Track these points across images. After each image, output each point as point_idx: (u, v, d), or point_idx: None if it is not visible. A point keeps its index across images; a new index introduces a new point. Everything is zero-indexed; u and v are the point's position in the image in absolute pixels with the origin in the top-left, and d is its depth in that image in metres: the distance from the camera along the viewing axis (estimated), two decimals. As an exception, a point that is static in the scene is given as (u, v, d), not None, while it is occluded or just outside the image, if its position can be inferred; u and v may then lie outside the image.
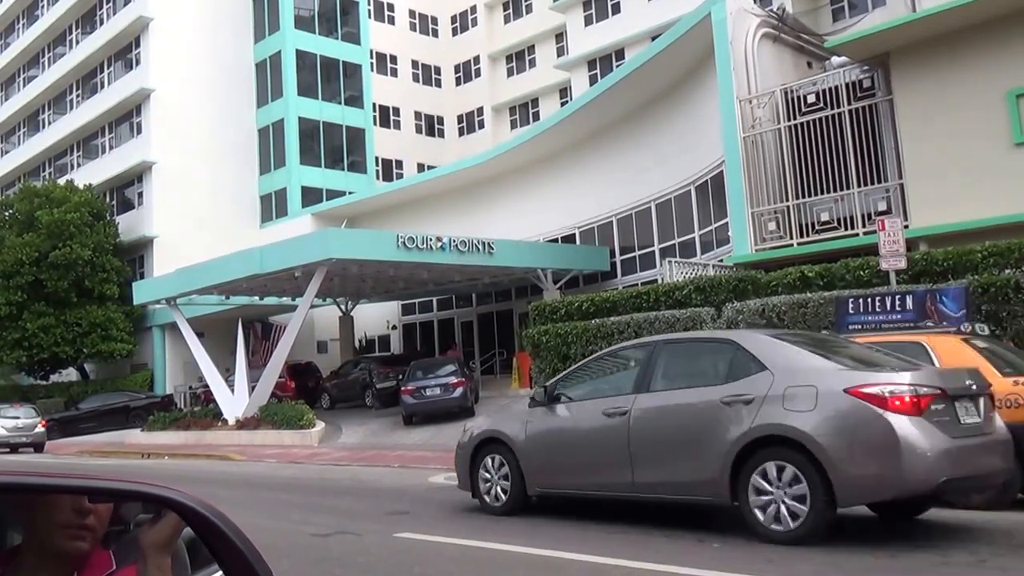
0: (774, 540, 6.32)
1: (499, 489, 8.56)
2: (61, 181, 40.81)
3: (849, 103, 18.99)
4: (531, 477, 8.24)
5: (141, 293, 30.42)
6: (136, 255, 40.56)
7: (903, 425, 6.03)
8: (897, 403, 6.10)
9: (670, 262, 19.92)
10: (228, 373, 29.04)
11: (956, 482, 6.24)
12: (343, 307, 33.80)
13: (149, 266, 39.56)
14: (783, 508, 6.33)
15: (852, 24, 24.37)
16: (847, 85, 19.07)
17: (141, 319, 38.48)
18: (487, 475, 8.67)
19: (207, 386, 29.03)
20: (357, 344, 35.71)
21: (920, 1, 18.32)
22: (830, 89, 19.35)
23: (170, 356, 38.67)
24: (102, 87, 44.11)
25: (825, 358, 6.76)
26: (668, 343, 7.83)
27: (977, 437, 6.44)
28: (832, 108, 19.20)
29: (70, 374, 40.85)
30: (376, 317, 37.24)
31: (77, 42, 46.32)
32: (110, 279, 37.60)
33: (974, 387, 6.64)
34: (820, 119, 19.34)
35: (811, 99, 19.53)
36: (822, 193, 19.35)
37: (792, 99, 19.91)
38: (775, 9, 21.66)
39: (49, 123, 48.83)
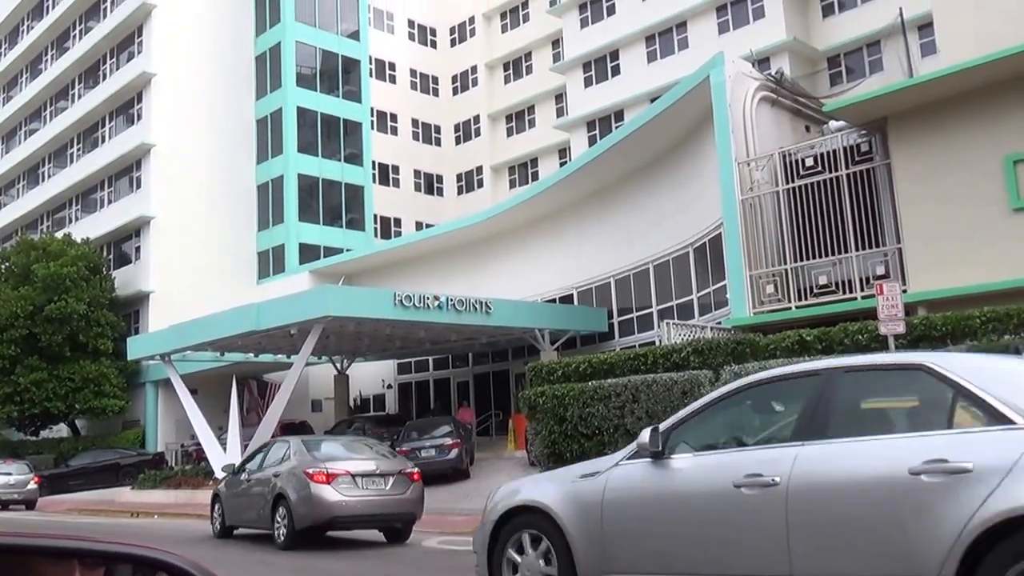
0: None
1: None
2: (59, 234, 41.03)
3: (847, 167, 19.26)
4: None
5: (135, 348, 30.36)
6: (131, 310, 40.60)
7: None
8: None
9: (668, 324, 20.01)
10: (221, 431, 28.70)
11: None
12: (339, 365, 33.66)
13: (144, 321, 39.53)
14: None
15: (849, 89, 24.82)
16: (845, 149, 19.36)
17: (135, 375, 38.30)
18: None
19: (199, 444, 28.76)
20: (352, 403, 35.51)
21: (917, 67, 18.68)
22: (828, 153, 19.63)
23: (162, 413, 38.32)
24: (103, 141, 44.61)
25: None
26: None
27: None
28: (830, 172, 19.46)
29: (61, 430, 40.51)
30: (372, 376, 37.12)
31: (79, 96, 46.90)
32: (105, 334, 37.49)
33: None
34: (818, 182, 19.59)
35: (809, 162, 19.81)
36: (820, 256, 19.51)
37: (790, 162, 20.19)
38: (773, 73, 22.09)
39: (49, 176, 49.24)
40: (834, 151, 19.52)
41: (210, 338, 26.30)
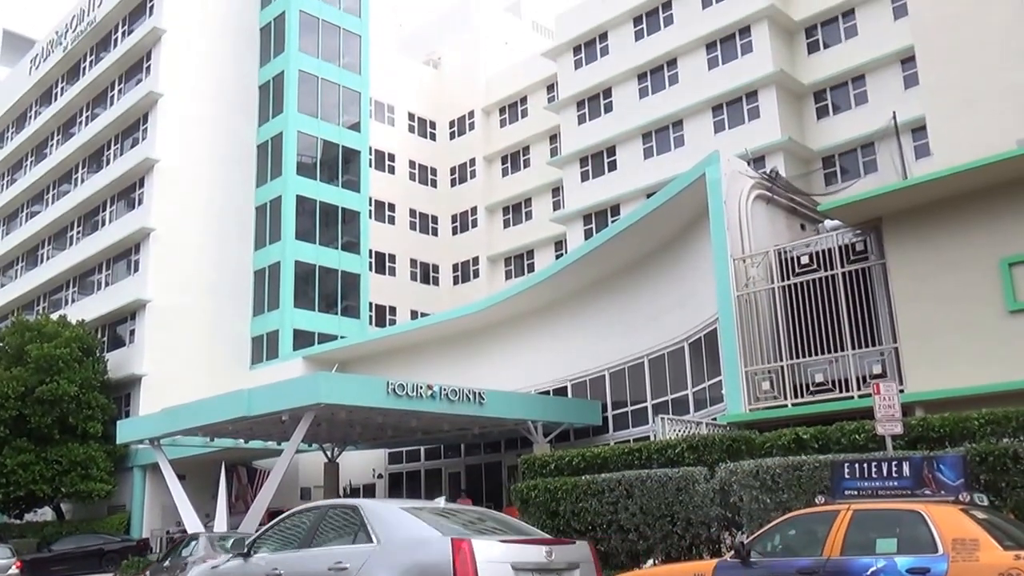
0: None
1: None
2: (54, 316, 41.09)
3: (843, 265, 19.29)
4: None
5: (125, 432, 30.17)
6: (123, 393, 40.46)
7: None
8: None
9: (663, 419, 19.76)
10: (208, 518, 28.52)
11: None
12: (329, 453, 33.44)
13: (135, 404, 39.43)
14: None
15: (844, 189, 25.10)
16: (840, 248, 19.42)
17: (123, 459, 37.94)
18: None
19: (185, 531, 28.21)
20: (342, 492, 35.05)
21: (911, 169, 18.90)
22: (824, 251, 19.70)
23: (149, 498, 38.04)
24: (103, 225, 45.04)
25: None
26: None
27: None
28: (826, 270, 19.49)
29: (45, 513, 40.00)
30: (362, 465, 36.75)
31: (82, 180, 47.53)
32: (95, 416, 37.26)
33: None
34: (814, 280, 19.61)
35: (804, 260, 19.85)
36: (816, 354, 19.39)
37: (786, 260, 20.25)
38: (768, 172, 22.34)
39: (48, 258, 49.57)
40: (829, 250, 19.59)
41: (201, 423, 26.21)
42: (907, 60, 31.84)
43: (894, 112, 24.87)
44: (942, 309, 17.25)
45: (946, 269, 17.33)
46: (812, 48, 37.40)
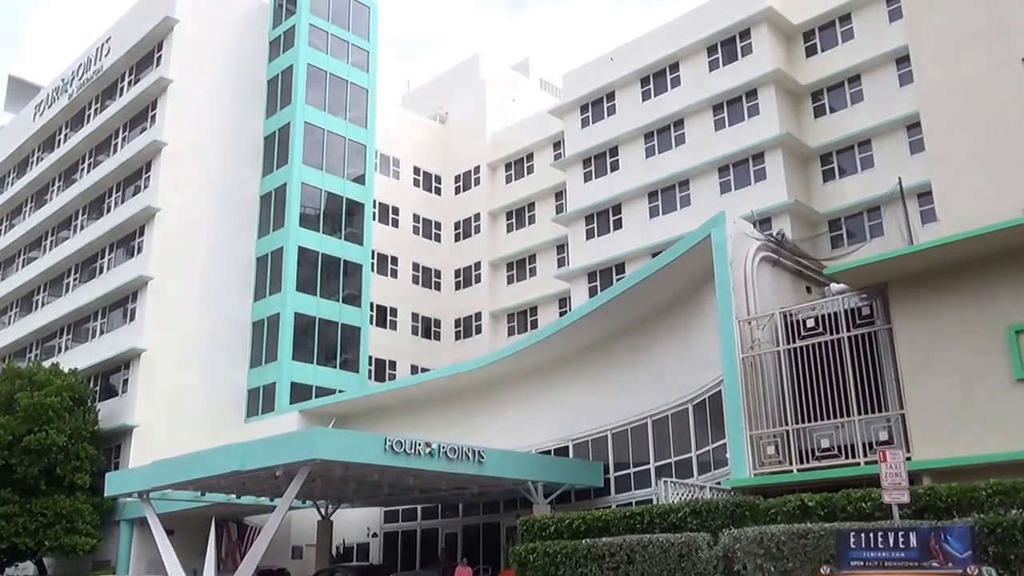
0: None
1: None
2: (47, 363, 41.22)
3: (848, 329, 19.45)
4: None
5: (113, 485, 29.95)
6: (113, 444, 40.39)
7: None
8: None
9: (665, 482, 19.79)
10: (195, 575, 28.25)
11: None
12: (323, 510, 33.36)
13: (125, 456, 39.35)
14: None
15: (850, 253, 25.39)
16: (846, 312, 19.60)
17: (110, 512, 37.64)
18: None
19: None
20: (335, 551, 34.96)
21: (917, 234, 19.18)
22: (829, 315, 19.87)
23: (135, 553, 37.52)
24: (100, 272, 45.45)
25: None
26: None
27: None
28: (831, 334, 19.64)
29: (27, 568, 39.63)
30: (357, 523, 36.63)
31: (82, 227, 48.08)
32: (83, 468, 37.04)
33: None
34: (819, 344, 19.76)
35: (810, 323, 20.02)
36: (822, 419, 19.45)
37: (791, 322, 20.42)
38: (774, 234, 22.65)
39: (43, 304, 49.88)
40: (835, 313, 19.77)
41: (192, 477, 26.11)
42: (913, 126, 32.70)
43: (899, 178, 25.37)
44: (949, 376, 17.38)
45: (952, 336, 17.49)
46: (818, 112, 38.33)
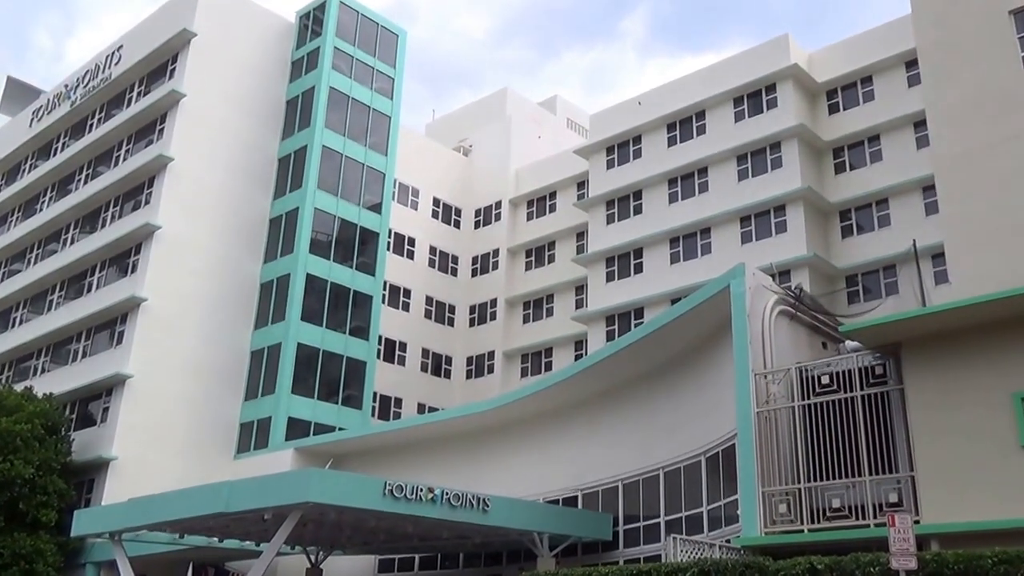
0: None
1: None
2: (19, 386, 41.51)
3: (862, 388, 21.54)
4: None
5: (82, 523, 29.88)
6: (86, 478, 40.37)
7: None
8: None
9: (675, 539, 21.16)
10: None
11: None
12: (313, 558, 33.62)
13: (99, 492, 39.32)
14: None
15: (866, 312, 27.60)
16: (860, 370, 21.72)
17: (76, 553, 37.28)
18: None
19: None
20: None
21: (931, 294, 21.47)
22: (844, 372, 21.99)
23: None
24: (89, 290, 46.49)
25: None
26: None
27: None
28: (845, 391, 21.71)
29: None
30: (349, 571, 37.37)
31: (72, 242, 49.42)
32: (50, 503, 36.69)
33: None
34: (833, 401, 21.87)
35: (825, 380, 22.15)
36: (834, 478, 21.25)
37: (807, 378, 22.50)
38: (793, 288, 24.94)
39: (22, 322, 50.85)
40: (850, 371, 21.81)
41: (171, 517, 26.42)
42: (928, 187, 36.36)
43: (914, 240, 27.88)
44: (957, 440, 19.32)
45: (962, 399, 19.54)
46: (839, 168, 42.19)
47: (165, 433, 41.00)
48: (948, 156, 22.00)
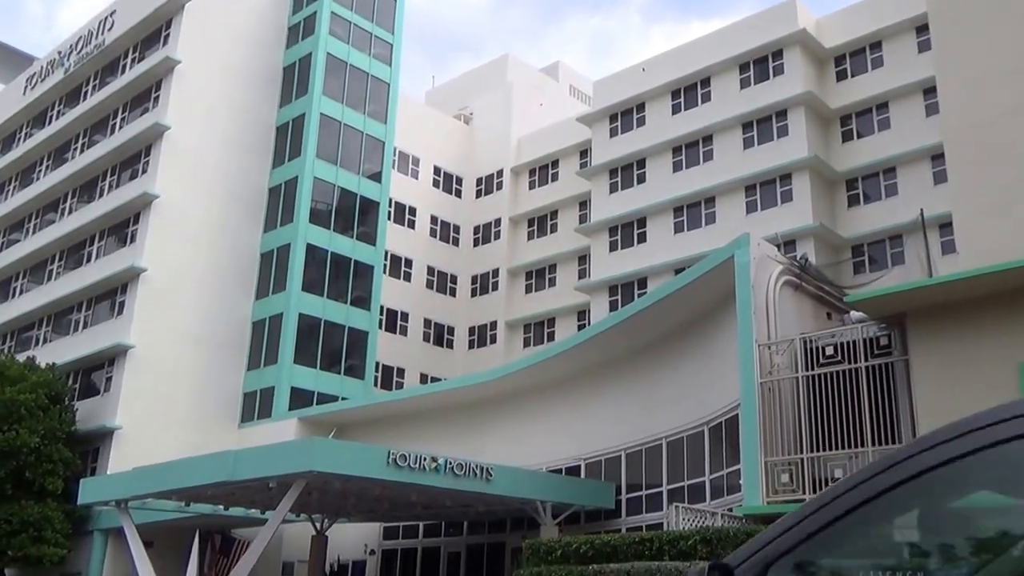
0: None
1: None
2: (22, 356, 41.99)
3: (866, 359, 21.73)
4: None
5: (88, 491, 30.43)
6: (91, 447, 40.99)
7: None
8: None
9: (677, 507, 21.66)
10: None
11: None
12: (318, 525, 34.11)
13: (104, 461, 40.01)
14: None
15: (871, 281, 27.72)
16: (865, 341, 21.91)
17: (82, 521, 38.04)
18: None
19: None
20: (328, 569, 35.93)
21: (937, 265, 21.55)
22: (848, 343, 22.20)
23: (109, 566, 38.31)
24: (88, 261, 46.81)
25: None
26: None
27: None
28: (849, 363, 21.92)
29: None
30: (354, 539, 37.88)
31: (70, 211, 49.63)
32: (56, 472, 37.30)
33: None
34: (837, 372, 22.09)
35: (829, 351, 22.35)
36: (836, 448, 21.54)
37: (811, 349, 22.72)
38: (798, 258, 25.08)
39: (22, 292, 51.14)
40: (854, 342, 22.02)
41: (177, 486, 26.91)
42: (937, 156, 35.63)
43: (922, 210, 27.86)
44: (962, 411, 19.23)
45: (967, 371, 19.68)
46: (846, 136, 42.05)
47: (169, 402, 41.38)
48: (958, 124, 21.97)
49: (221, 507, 30.61)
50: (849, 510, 2.71)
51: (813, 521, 2.77)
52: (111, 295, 44.48)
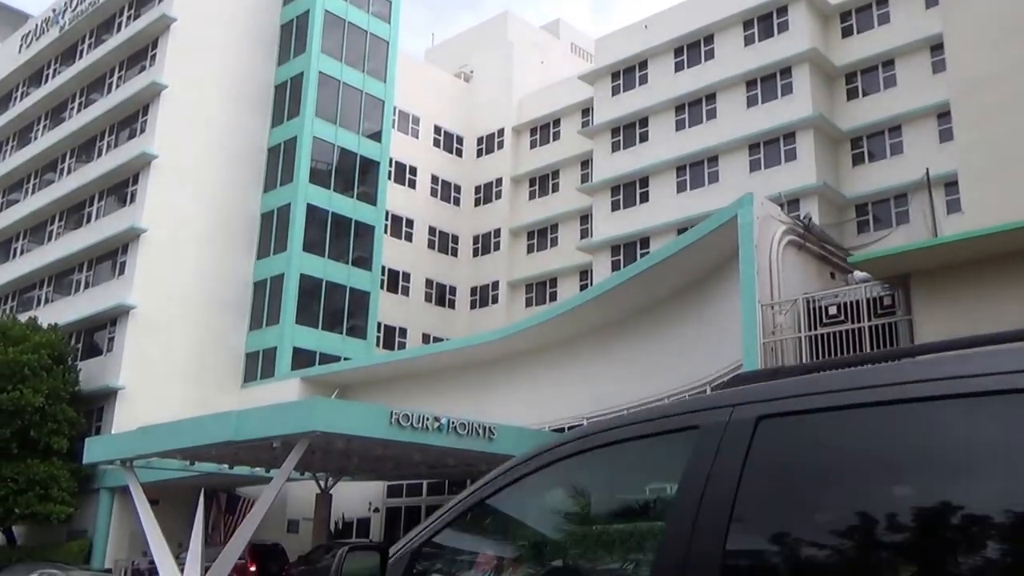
0: None
1: None
2: (24, 317, 42.17)
3: (870, 319, 21.68)
4: None
5: (93, 451, 30.68)
6: (95, 406, 41.29)
7: None
8: None
9: None
10: (181, 549, 28.78)
11: None
12: (322, 483, 34.32)
13: (108, 420, 40.32)
14: None
15: (876, 241, 27.64)
16: (868, 301, 21.87)
17: (88, 479, 38.36)
18: None
19: (153, 562, 28.67)
20: (333, 527, 36.27)
21: (942, 224, 21.45)
22: (852, 303, 22.17)
23: (115, 524, 38.59)
24: (88, 221, 46.81)
25: None
26: None
27: None
28: (853, 323, 21.88)
29: None
30: (358, 498, 38.12)
31: (69, 171, 49.52)
32: (60, 431, 37.62)
33: None
34: (841, 332, 22.08)
35: (833, 311, 22.32)
36: None
37: (814, 309, 22.69)
38: (801, 217, 24.97)
39: (23, 252, 51.21)
40: (858, 302, 21.96)
41: (181, 445, 27.13)
42: (943, 115, 35.45)
43: (927, 169, 27.71)
44: None
45: (972, 331, 19.61)
46: (851, 94, 41.62)
47: (171, 362, 41.60)
48: (965, 80, 21.70)
49: (226, 466, 30.89)
50: (476, 503, 3.25)
51: (452, 512, 3.27)
52: (112, 255, 44.58)
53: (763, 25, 43.26)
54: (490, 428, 27.19)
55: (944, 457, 2.33)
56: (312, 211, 46.00)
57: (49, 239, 49.53)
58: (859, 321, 21.83)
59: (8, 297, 51.00)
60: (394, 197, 52.06)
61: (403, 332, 51.71)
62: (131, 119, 46.40)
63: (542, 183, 55.01)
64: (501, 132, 57.22)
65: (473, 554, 3.54)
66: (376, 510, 38.79)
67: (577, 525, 3.36)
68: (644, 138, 46.64)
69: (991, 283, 19.59)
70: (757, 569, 2.45)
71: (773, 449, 2.50)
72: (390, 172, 51.56)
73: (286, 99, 47.82)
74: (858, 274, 22.35)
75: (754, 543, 2.47)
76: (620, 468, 3.13)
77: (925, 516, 2.26)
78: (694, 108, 45.10)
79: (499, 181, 56.46)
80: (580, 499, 3.33)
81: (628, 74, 48.02)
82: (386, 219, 50.23)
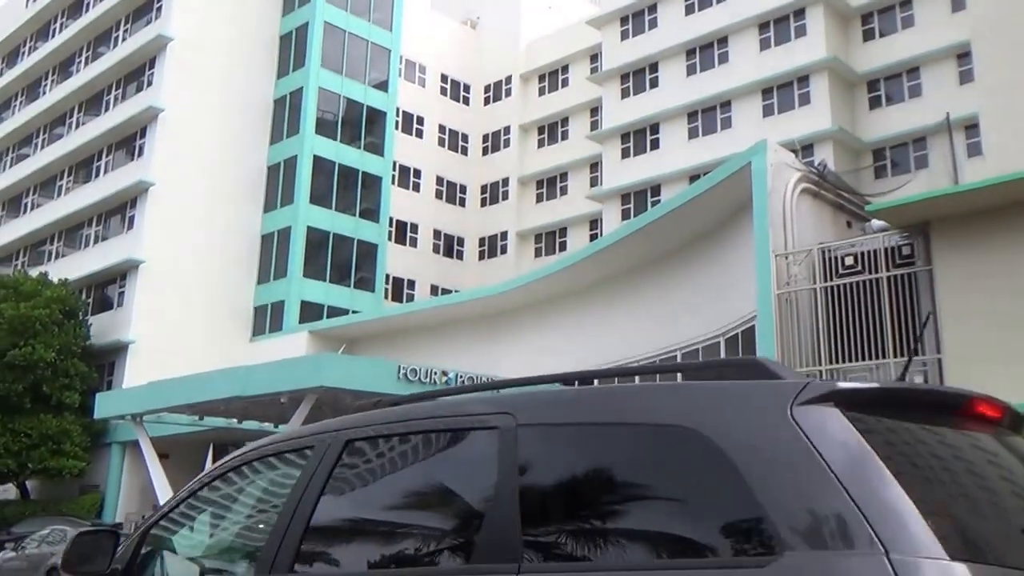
0: None
1: None
2: (34, 272, 42.02)
3: (888, 269, 20.83)
4: None
5: (104, 406, 30.76)
6: (106, 361, 41.26)
7: None
8: None
9: None
10: None
11: None
12: None
13: (119, 374, 40.36)
14: None
15: (895, 189, 26.62)
16: (886, 250, 20.97)
17: (100, 434, 38.37)
18: None
19: None
20: None
21: (963, 168, 20.46)
22: (869, 252, 21.28)
23: (127, 478, 38.48)
24: (97, 175, 46.55)
25: None
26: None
27: None
28: (870, 272, 21.06)
29: (8, 491, 40.43)
30: None
31: (78, 125, 49.21)
32: (72, 386, 37.59)
33: None
34: (857, 283, 21.24)
35: (849, 261, 21.47)
36: (857, 360, 20.91)
37: (829, 259, 21.85)
38: (816, 164, 23.99)
39: (33, 207, 50.98)
40: (875, 251, 21.11)
41: (190, 400, 27.13)
42: (963, 55, 33.94)
43: (948, 112, 26.60)
44: (987, 323, 18.72)
45: (993, 282, 18.80)
46: (867, 36, 39.97)
47: (181, 316, 41.45)
48: (986, 18, 20.66)
49: (235, 421, 30.95)
50: (189, 495, 3.81)
51: (174, 500, 3.86)
52: (121, 210, 44.42)
53: (775, -35, 41.53)
54: (498, 382, 26.42)
55: (422, 477, 3.17)
56: (319, 163, 45.48)
57: (59, 194, 49.40)
58: (876, 271, 21.04)
59: (19, 252, 51.00)
60: (401, 147, 51.26)
61: (411, 284, 51.30)
62: (138, 72, 46.03)
63: (551, 131, 53.84)
64: (509, 79, 55.97)
65: (188, 537, 4.03)
66: (384, 464, 38.36)
67: (243, 520, 3.98)
68: (654, 84, 45.17)
69: (1015, 231, 18.77)
70: (318, 562, 3.16)
71: (352, 464, 3.25)
72: (397, 122, 50.73)
73: (291, 50, 47.12)
74: (875, 223, 21.47)
75: (324, 545, 3.18)
76: (276, 478, 3.73)
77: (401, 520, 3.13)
78: (705, 52, 43.52)
79: (507, 129, 55.37)
80: (246, 500, 3.91)
81: (637, 18, 46.43)
82: (393, 170, 49.57)
